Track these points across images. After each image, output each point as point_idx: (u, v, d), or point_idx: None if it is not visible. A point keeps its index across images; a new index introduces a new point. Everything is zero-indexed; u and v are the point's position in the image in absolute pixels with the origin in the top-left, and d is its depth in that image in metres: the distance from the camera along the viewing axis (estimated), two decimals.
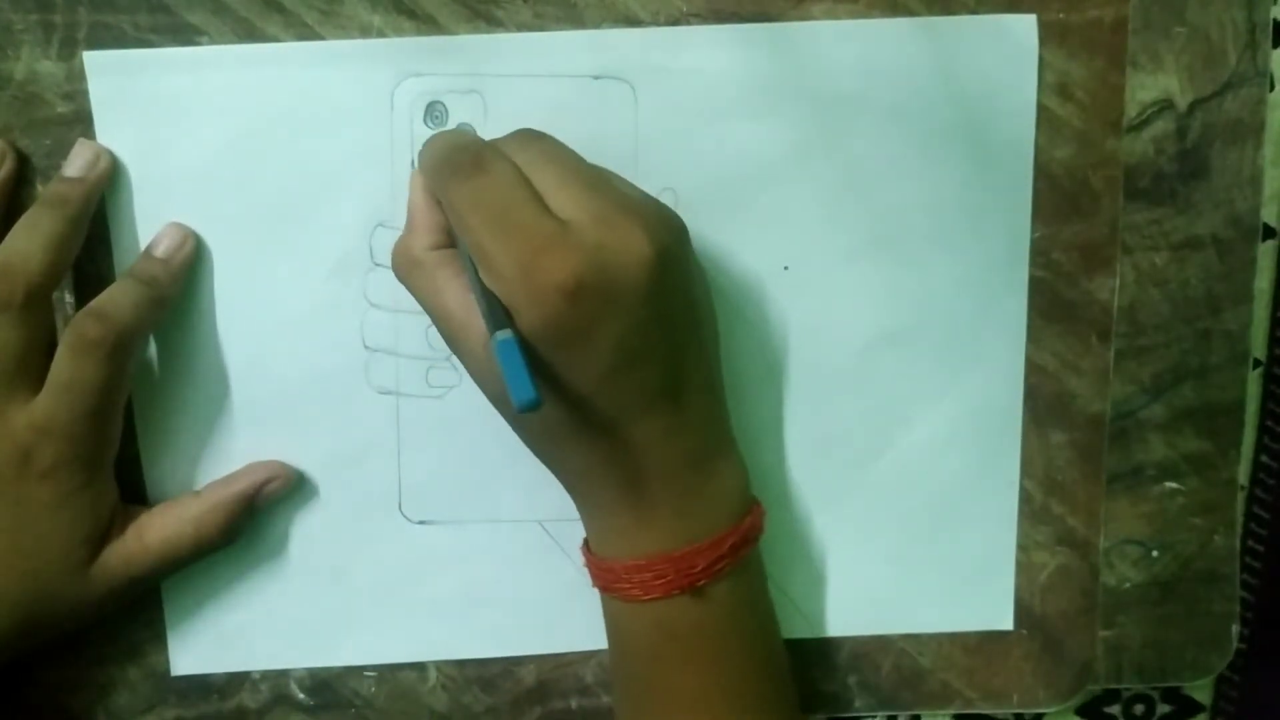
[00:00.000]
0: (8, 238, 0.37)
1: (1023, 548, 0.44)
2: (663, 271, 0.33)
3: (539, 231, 0.32)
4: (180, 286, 0.39)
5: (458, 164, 0.34)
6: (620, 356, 0.33)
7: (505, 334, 0.31)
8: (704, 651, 0.38)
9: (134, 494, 0.41)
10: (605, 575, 0.38)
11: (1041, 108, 0.40)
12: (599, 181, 0.34)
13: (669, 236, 0.34)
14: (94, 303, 0.37)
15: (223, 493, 0.40)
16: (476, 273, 0.33)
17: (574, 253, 0.32)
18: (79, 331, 0.36)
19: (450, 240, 0.36)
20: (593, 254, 0.32)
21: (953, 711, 0.45)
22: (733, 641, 0.38)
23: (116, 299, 0.37)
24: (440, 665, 0.44)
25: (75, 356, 0.36)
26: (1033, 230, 0.41)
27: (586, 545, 0.39)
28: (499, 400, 0.36)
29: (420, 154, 0.37)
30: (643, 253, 0.33)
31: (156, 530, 0.39)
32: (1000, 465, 0.43)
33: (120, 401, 0.38)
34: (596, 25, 0.39)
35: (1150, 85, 0.40)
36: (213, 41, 0.39)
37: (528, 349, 0.32)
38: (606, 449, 0.35)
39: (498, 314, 0.32)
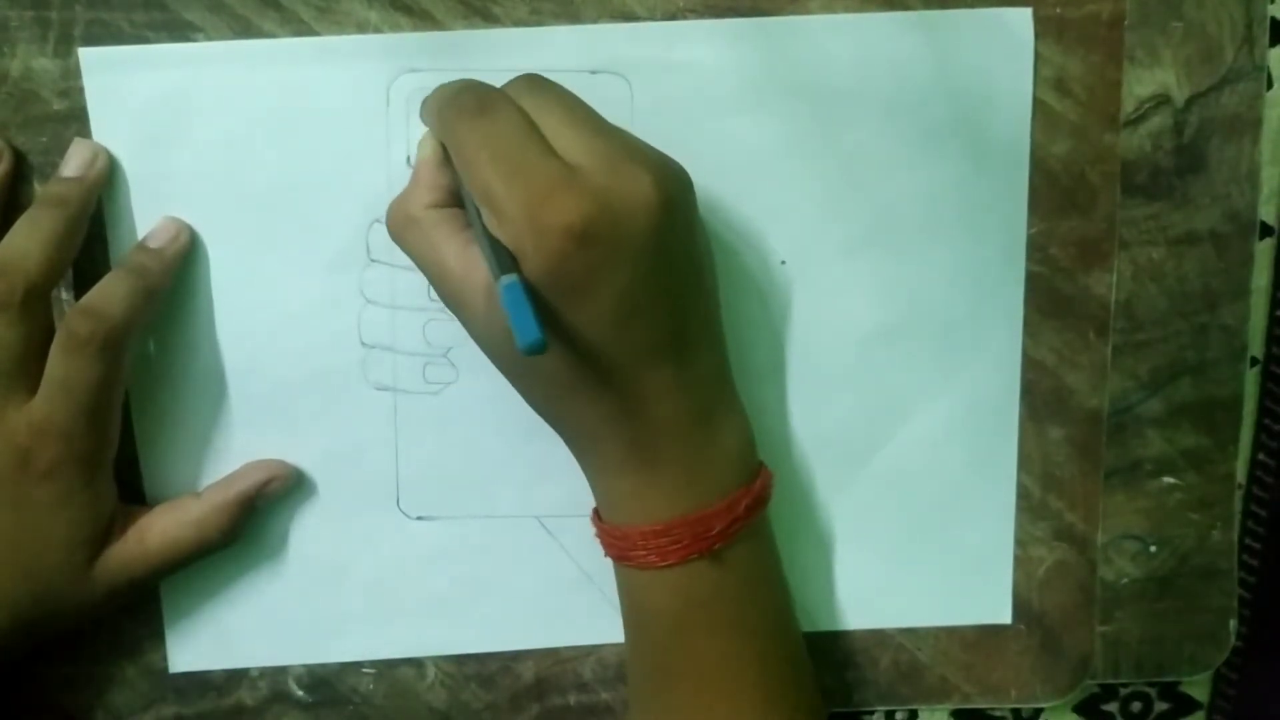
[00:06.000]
0: (6, 237, 0.37)
1: (1021, 543, 0.44)
2: (668, 220, 0.33)
3: (547, 174, 0.32)
4: (171, 278, 0.39)
5: (464, 105, 0.34)
6: (625, 305, 0.33)
7: (511, 277, 0.31)
8: (725, 617, 0.37)
9: (133, 494, 0.41)
10: (619, 543, 0.37)
11: (1038, 102, 0.40)
12: (606, 128, 0.34)
13: (675, 186, 0.34)
14: (84, 299, 0.37)
15: (223, 494, 0.40)
16: (481, 218, 0.33)
17: (582, 196, 0.32)
18: (70, 329, 0.36)
19: (450, 201, 0.36)
20: (600, 198, 0.32)
21: (951, 706, 0.45)
22: (752, 606, 0.38)
23: (106, 293, 0.37)
24: (438, 662, 0.44)
25: (67, 355, 0.36)
26: (1030, 225, 0.41)
27: (596, 514, 0.38)
28: (501, 356, 0.36)
29: (423, 102, 0.37)
30: (649, 199, 0.33)
31: (157, 533, 0.39)
32: (997, 460, 0.43)
33: (117, 398, 0.38)
34: (593, 20, 0.39)
35: (1147, 80, 0.40)
36: (209, 38, 0.39)
37: (533, 295, 0.32)
38: (612, 403, 0.35)
39: (504, 259, 0.32)
